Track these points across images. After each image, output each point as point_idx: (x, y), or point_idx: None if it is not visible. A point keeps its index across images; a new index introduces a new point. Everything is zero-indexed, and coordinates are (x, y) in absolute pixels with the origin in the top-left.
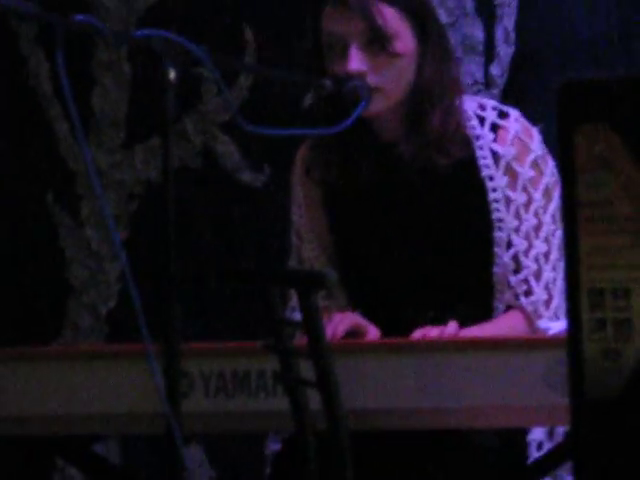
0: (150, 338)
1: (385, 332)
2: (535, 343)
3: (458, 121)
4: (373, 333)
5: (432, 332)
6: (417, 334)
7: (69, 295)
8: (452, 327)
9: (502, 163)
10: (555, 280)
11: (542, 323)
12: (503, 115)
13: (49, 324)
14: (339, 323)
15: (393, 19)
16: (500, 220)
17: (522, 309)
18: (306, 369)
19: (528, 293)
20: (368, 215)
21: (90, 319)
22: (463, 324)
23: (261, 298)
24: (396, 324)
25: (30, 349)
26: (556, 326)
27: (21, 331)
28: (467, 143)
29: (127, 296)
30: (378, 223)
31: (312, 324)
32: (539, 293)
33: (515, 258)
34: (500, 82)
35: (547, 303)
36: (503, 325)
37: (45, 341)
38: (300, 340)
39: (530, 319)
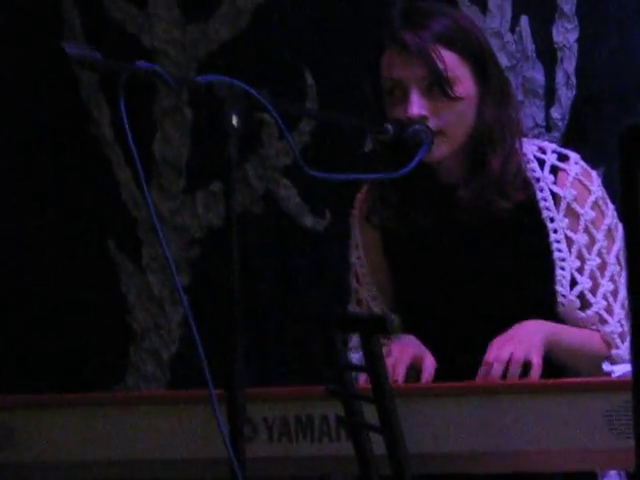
0: (214, 383)
1: (447, 375)
2: (599, 386)
3: (518, 164)
4: (429, 364)
5: (495, 364)
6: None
7: (131, 341)
8: (519, 354)
9: (563, 205)
10: (626, 318)
11: (606, 366)
12: (563, 158)
13: (112, 370)
14: (398, 362)
15: (453, 63)
16: (562, 260)
17: (599, 333)
18: (370, 413)
19: (603, 322)
20: (428, 259)
21: (152, 364)
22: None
23: (323, 342)
24: (458, 366)
25: (94, 395)
26: (620, 369)
27: (85, 377)
28: (527, 186)
29: (190, 341)
30: (438, 266)
31: (375, 368)
32: (613, 324)
33: (581, 296)
34: (561, 125)
35: (622, 336)
36: (587, 334)
37: (108, 387)
38: (361, 382)
39: (608, 344)
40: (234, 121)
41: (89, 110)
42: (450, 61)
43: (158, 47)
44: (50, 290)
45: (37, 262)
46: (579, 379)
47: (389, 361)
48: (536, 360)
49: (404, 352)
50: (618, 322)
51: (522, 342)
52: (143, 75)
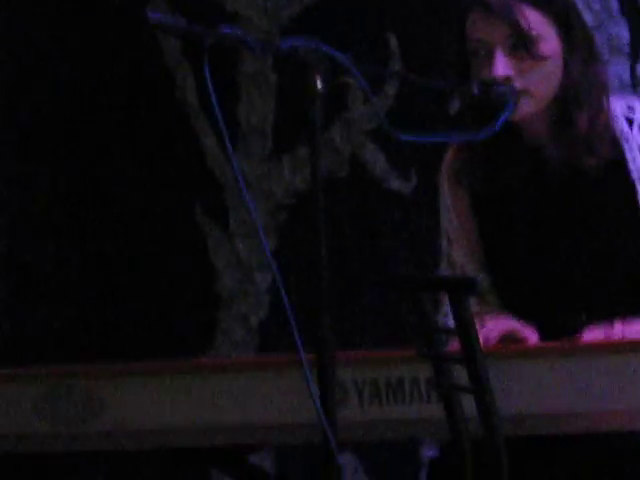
0: (303, 348)
1: (540, 334)
2: None
3: (606, 122)
4: (532, 337)
5: (597, 333)
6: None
7: (220, 307)
8: (618, 329)
9: None
10: None
11: None
12: None
13: (201, 336)
14: (492, 329)
15: (537, 22)
16: None
17: None
18: (460, 375)
19: None
20: (517, 218)
21: (241, 330)
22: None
23: (413, 305)
24: (549, 328)
25: (185, 363)
26: None
27: (174, 344)
28: (615, 144)
29: (278, 306)
30: (527, 226)
31: (465, 330)
32: None
33: None
34: None
35: None
36: None
37: (199, 354)
38: (454, 346)
39: None
40: (319, 85)
41: (174, 77)
42: (534, 20)
43: (241, 12)
44: (138, 258)
45: (125, 230)
46: None
47: (482, 331)
48: None
49: (499, 322)
50: None
51: None
52: (227, 40)
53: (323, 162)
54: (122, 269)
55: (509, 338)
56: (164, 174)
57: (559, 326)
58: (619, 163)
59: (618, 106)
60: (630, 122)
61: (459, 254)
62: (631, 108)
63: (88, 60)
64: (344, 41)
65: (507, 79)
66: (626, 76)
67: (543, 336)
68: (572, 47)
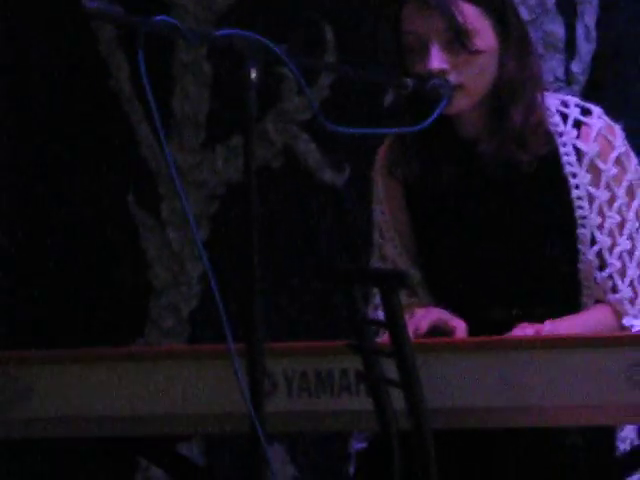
0: (233, 338)
1: (469, 331)
2: (620, 340)
3: (540, 117)
4: (460, 327)
5: (528, 330)
6: (515, 333)
7: (151, 296)
8: (548, 326)
9: (585, 160)
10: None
11: (627, 320)
12: (586, 112)
13: (131, 325)
14: (422, 318)
15: (473, 16)
16: (583, 217)
17: (609, 304)
18: (389, 368)
19: (614, 290)
20: (450, 213)
21: (172, 320)
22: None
23: (343, 297)
24: (480, 323)
25: (113, 350)
26: None
27: (104, 332)
28: (549, 139)
29: (209, 296)
30: (460, 221)
31: (395, 322)
32: (624, 290)
33: (599, 255)
34: (581, 79)
35: (632, 301)
36: (591, 318)
37: (128, 342)
38: (383, 339)
39: (617, 314)
40: (253, 75)
41: (108, 65)
42: (470, 14)
43: (177, 1)
44: (70, 245)
45: (57, 217)
46: (600, 334)
47: (412, 320)
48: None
49: (429, 312)
50: (630, 285)
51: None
52: (162, 30)
53: (256, 152)
54: (54, 254)
55: (438, 328)
56: (97, 162)
57: (490, 322)
58: (552, 158)
59: (552, 101)
60: (564, 117)
61: (390, 248)
62: (565, 103)
63: (22, 45)
64: (279, 32)
65: (442, 72)
66: (560, 72)
67: (474, 332)
68: (507, 42)
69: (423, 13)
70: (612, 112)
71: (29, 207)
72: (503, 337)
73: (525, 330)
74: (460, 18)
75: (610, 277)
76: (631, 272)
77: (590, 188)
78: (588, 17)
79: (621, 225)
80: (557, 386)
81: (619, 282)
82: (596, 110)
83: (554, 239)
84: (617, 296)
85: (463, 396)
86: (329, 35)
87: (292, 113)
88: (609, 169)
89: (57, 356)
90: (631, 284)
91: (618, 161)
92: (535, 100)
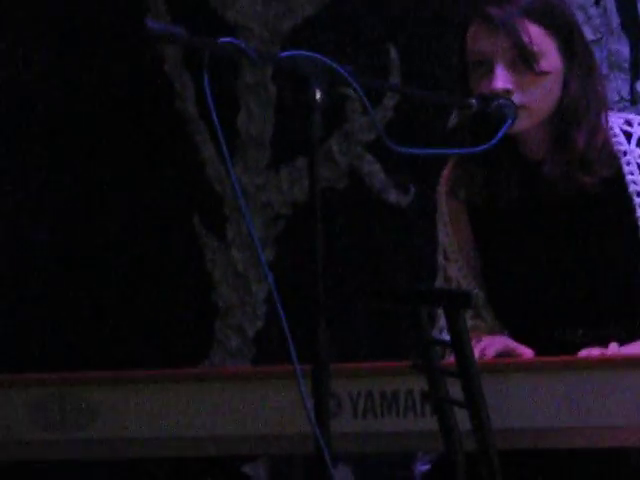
0: (298, 359)
1: (535, 351)
2: None
3: (604, 139)
4: (527, 353)
5: (594, 352)
6: (582, 355)
7: (216, 317)
8: (613, 348)
9: None
10: None
11: None
12: None
13: (197, 346)
14: (488, 345)
15: (539, 37)
16: None
17: None
18: (454, 389)
19: None
20: (514, 234)
21: (237, 340)
22: (616, 342)
23: (409, 318)
24: (546, 344)
25: (179, 371)
26: None
27: (170, 353)
28: (613, 161)
29: (274, 317)
30: (524, 242)
31: (460, 343)
32: None
33: None
34: None
35: None
36: None
37: (193, 363)
38: (448, 360)
39: None
40: (318, 96)
41: (173, 87)
42: (536, 35)
43: (242, 22)
44: (137, 266)
45: (124, 238)
46: None
47: (477, 346)
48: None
49: (496, 340)
50: None
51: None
52: (227, 51)
53: (321, 173)
54: (120, 277)
55: (505, 356)
56: (163, 183)
57: (556, 343)
58: (617, 178)
59: (616, 120)
60: (628, 136)
61: (455, 269)
62: (629, 122)
63: (89, 67)
64: (344, 52)
65: (506, 92)
66: (625, 92)
67: (540, 353)
68: (572, 64)
69: (489, 32)
70: None
71: (97, 228)
72: (569, 357)
73: (591, 353)
74: (526, 38)
75: None
76: None
77: None
78: None
79: None
80: (622, 407)
81: None
82: None
83: (619, 259)
84: None
85: (528, 417)
86: (393, 56)
87: (357, 134)
88: None
89: (124, 377)
90: None
91: None
92: (599, 122)
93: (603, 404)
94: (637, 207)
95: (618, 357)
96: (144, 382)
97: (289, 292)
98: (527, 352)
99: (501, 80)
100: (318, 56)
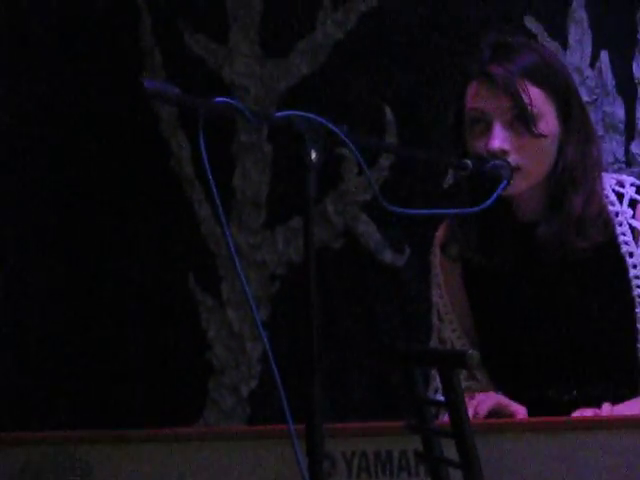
0: (293, 419)
1: (529, 411)
2: None
3: (600, 204)
4: (520, 412)
5: (587, 413)
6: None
7: (211, 376)
8: (606, 409)
9: None
10: None
11: None
12: None
13: (192, 405)
14: (482, 402)
15: (539, 99)
16: None
17: None
18: (449, 449)
19: None
20: (507, 294)
21: (232, 400)
22: (610, 402)
23: (404, 377)
24: (539, 404)
25: (173, 430)
26: None
27: (164, 412)
28: (607, 226)
29: (269, 377)
30: (518, 303)
31: (455, 403)
32: None
33: None
34: None
35: None
36: None
37: (188, 422)
38: (443, 420)
39: None
40: (313, 156)
41: (169, 146)
42: (536, 97)
43: (238, 82)
44: (133, 325)
45: (121, 296)
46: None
47: (472, 403)
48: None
49: (489, 398)
50: None
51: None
52: (222, 110)
53: (317, 233)
54: (115, 333)
55: (498, 413)
56: (158, 242)
57: (549, 403)
58: (610, 240)
59: (608, 181)
60: (620, 196)
61: (448, 330)
62: (620, 183)
63: (85, 126)
64: (339, 112)
65: (503, 153)
66: (620, 153)
67: (533, 413)
68: (570, 128)
69: (490, 91)
70: None
71: (93, 287)
72: (562, 418)
73: (584, 414)
74: (527, 100)
75: None
76: None
77: None
78: None
79: None
80: (616, 467)
81: None
82: None
83: (612, 319)
84: None
85: (523, 477)
86: (389, 116)
87: (352, 194)
88: None
89: (117, 436)
90: None
91: None
92: (596, 187)
93: (596, 465)
94: (630, 267)
95: (611, 418)
96: (138, 441)
97: (284, 352)
98: (520, 410)
99: (499, 140)
100: (313, 116)
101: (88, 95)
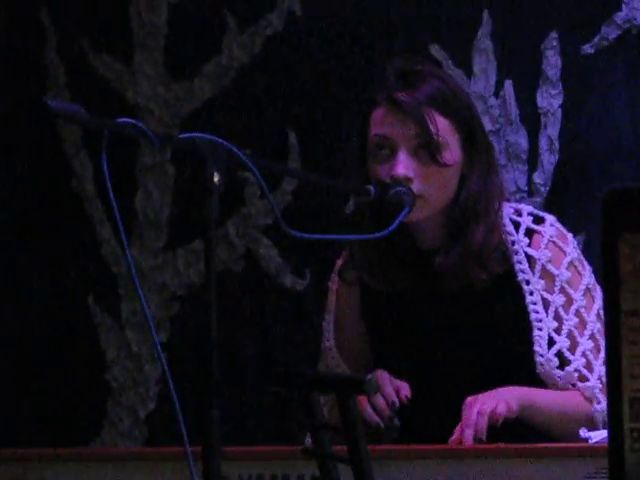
0: (190, 441)
1: (426, 438)
2: (576, 451)
3: (500, 235)
4: (403, 387)
5: (466, 430)
6: (469, 402)
7: (108, 397)
8: (502, 407)
9: (538, 267)
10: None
11: (583, 433)
12: (538, 220)
13: (88, 425)
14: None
15: (444, 129)
16: (539, 321)
17: (579, 390)
18: (346, 474)
19: (582, 379)
20: (406, 322)
21: (129, 421)
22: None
23: (301, 402)
24: (438, 431)
25: (69, 450)
26: (598, 435)
27: (61, 432)
28: (505, 256)
29: (167, 398)
30: (417, 328)
31: (351, 429)
32: (593, 381)
33: (559, 355)
34: (543, 190)
35: (603, 392)
36: (566, 396)
37: (84, 442)
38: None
39: (589, 400)
40: (216, 179)
41: (71, 165)
42: (442, 126)
43: (142, 104)
44: (29, 344)
45: (16, 316)
46: (557, 444)
47: (387, 388)
48: (500, 410)
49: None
50: (598, 379)
51: (493, 397)
52: (126, 131)
53: (218, 256)
54: (11, 351)
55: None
56: (58, 262)
57: (446, 430)
58: (508, 270)
59: (506, 210)
60: (517, 225)
61: (329, 358)
62: (518, 212)
63: None
64: (243, 136)
65: (407, 180)
66: (522, 183)
67: (430, 440)
68: (473, 158)
69: (396, 118)
70: (574, 224)
71: None
72: (460, 447)
73: (482, 407)
74: (433, 129)
75: (576, 370)
76: (597, 368)
77: (544, 293)
78: (551, 128)
79: (581, 326)
80: None
81: (587, 374)
82: (549, 218)
83: (511, 346)
84: (588, 384)
85: None
86: (293, 140)
87: (254, 217)
88: (562, 273)
89: (11, 454)
90: (599, 378)
91: (571, 266)
92: (497, 218)
93: None
94: (527, 294)
95: (502, 447)
96: (32, 460)
97: (182, 373)
98: (402, 385)
99: (403, 167)
100: (217, 139)
101: None
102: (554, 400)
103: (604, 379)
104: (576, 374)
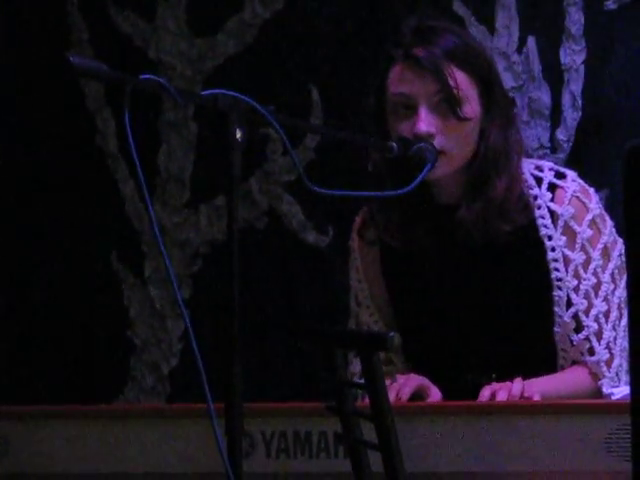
0: (212, 398)
1: (448, 395)
2: (599, 408)
3: (521, 187)
4: (435, 395)
5: (499, 391)
6: (485, 392)
7: (132, 353)
8: (518, 385)
9: (560, 222)
10: (615, 339)
11: (606, 388)
12: (560, 176)
13: (112, 382)
14: (404, 385)
15: (463, 82)
16: (559, 279)
17: (586, 366)
18: (368, 431)
19: (590, 352)
20: (427, 278)
21: (152, 378)
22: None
23: (324, 359)
24: (459, 387)
25: (91, 407)
26: (620, 391)
27: (84, 389)
28: (527, 208)
29: (190, 355)
30: (437, 286)
31: (374, 386)
32: (601, 352)
33: (575, 317)
34: (566, 147)
35: (608, 363)
36: (568, 378)
37: (108, 399)
38: (363, 402)
39: (595, 376)
40: (238, 136)
41: (95, 122)
42: (461, 80)
43: (165, 60)
44: (53, 300)
45: (40, 273)
46: (579, 401)
47: (394, 385)
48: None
49: (410, 379)
50: (606, 347)
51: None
52: (148, 88)
53: (240, 213)
54: (36, 311)
55: (419, 395)
56: (82, 219)
57: (468, 387)
58: (529, 223)
59: (526, 166)
60: (539, 181)
61: (366, 315)
62: (539, 167)
63: (8, 102)
64: (266, 92)
65: (429, 136)
66: (545, 139)
67: (453, 397)
68: (492, 112)
69: (415, 74)
70: (596, 180)
71: (12, 261)
72: (483, 402)
73: (494, 389)
74: (453, 83)
75: (587, 339)
76: (607, 334)
77: (566, 250)
78: (574, 85)
79: (597, 287)
80: (535, 452)
81: (595, 344)
82: (570, 174)
83: (530, 303)
84: (593, 358)
85: (442, 460)
86: (315, 97)
87: (277, 174)
88: (584, 231)
89: (34, 411)
90: (607, 346)
91: (593, 223)
92: (518, 172)
93: (515, 449)
94: (548, 250)
95: (531, 402)
96: (57, 417)
97: (205, 330)
98: (435, 393)
99: (425, 123)
100: (239, 95)
101: (12, 70)
102: (564, 385)
103: (612, 345)
104: (586, 344)
